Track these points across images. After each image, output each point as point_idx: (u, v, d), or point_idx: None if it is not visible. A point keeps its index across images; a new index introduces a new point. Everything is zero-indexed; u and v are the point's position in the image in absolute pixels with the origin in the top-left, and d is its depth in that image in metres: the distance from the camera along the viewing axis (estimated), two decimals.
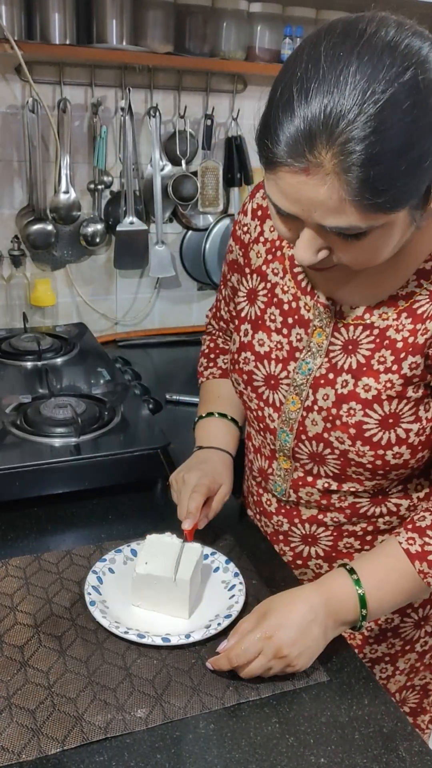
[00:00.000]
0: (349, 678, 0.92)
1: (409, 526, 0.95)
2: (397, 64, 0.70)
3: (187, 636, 0.93)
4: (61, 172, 1.90)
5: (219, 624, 0.95)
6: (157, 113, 1.94)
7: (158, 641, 0.93)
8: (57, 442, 1.29)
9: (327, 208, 0.74)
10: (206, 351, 1.31)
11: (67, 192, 1.92)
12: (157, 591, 0.97)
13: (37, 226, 1.91)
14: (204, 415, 1.22)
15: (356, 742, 0.83)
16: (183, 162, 2.04)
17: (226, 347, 1.27)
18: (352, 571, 0.93)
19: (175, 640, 0.93)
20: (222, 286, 1.20)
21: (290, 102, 0.71)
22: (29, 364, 1.67)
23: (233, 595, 1.01)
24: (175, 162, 2.04)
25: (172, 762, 0.79)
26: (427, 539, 0.93)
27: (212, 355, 1.29)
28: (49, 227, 1.92)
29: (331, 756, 0.81)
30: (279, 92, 0.73)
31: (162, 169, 2.02)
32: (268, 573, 1.08)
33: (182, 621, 0.98)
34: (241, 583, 1.03)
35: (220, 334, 1.28)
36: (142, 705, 0.85)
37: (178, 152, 2.03)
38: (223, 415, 1.21)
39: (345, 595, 0.92)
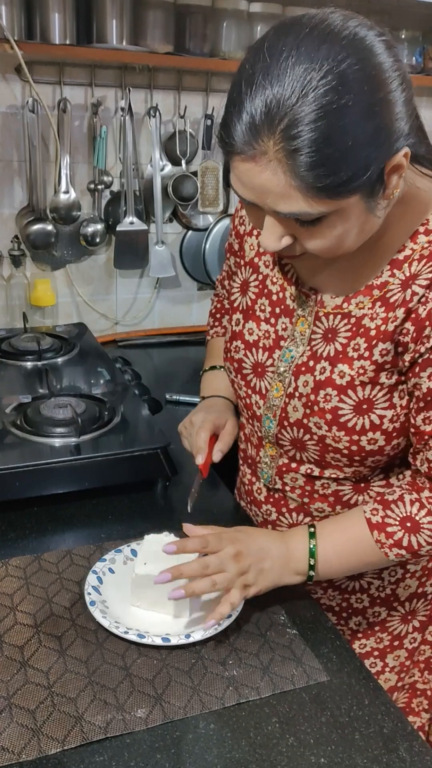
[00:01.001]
0: (349, 678, 0.92)
1: (378, 498, 0.98)
2: (337, 51, 0.73)
3: (187, 636, 0.93)
4: (61, 172, 1.90)
5: (219, 624, 0.95)
6: (157, 113, 1.94)
7: (158, 641, 0.92)
8: (57, 442, 1.29)
9: (276, 195, 0.78)
10: (213, 311, 1.41)
11: (67, 192, 1.92)
12: (156, 591, 0.97)
13: (37, 226, 1.91)
14: (208, 368, 1.33)
15: (356, 742, 0.83)
16: (183, 162, 2.04)
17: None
18: (312, 527, 0.99)
19: (175, 640, 0.93)
20: (226, 260, 1.25)
21: (240, 96, 0.76)
22: (29, 364, 1.67)
23: None
24: (175, 162, 2.04)
25: (172, 762, 0.79)
26: (389, 512, 0.96)
27: (218, 315, 1.39)
28: (49, 227, 1.92)
29: (331, 756, 0.81)
30: (232, 88, 0.78)
31: (162, 169, 2.02)
32: None
33: (182, 621, 0.98)
34: None
35: (226, 295, 1.33)
36: (142, 705, 0.85)
37: (178, 152, 2.03)
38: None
39: (299, 544, 0.99)
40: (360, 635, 1.17)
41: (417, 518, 0.94)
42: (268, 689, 0.89)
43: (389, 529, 0.95)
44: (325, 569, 0.99)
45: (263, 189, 0.79)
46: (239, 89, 0.76)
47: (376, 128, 0.75)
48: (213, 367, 1.33)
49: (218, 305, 1.40)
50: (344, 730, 0.84)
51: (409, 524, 0.94)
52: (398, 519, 0.95)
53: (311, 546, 0.98)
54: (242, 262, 1.12)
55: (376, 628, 1.17)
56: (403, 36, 2.18)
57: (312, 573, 0.98)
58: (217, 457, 1.16)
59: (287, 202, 0.79)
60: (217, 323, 1.39)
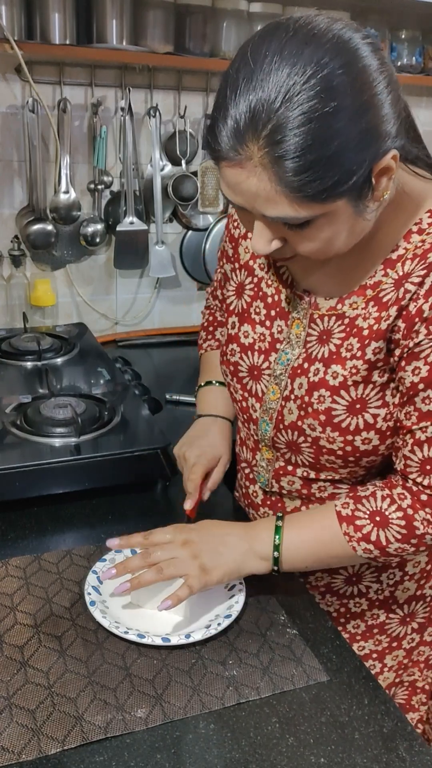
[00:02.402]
0: (349, 678, 0.92)
1: (351, 494, 0.98)
2: (321, 53, 0.72)
3: (187, 636, 0.93)
4: (61, 172, 1.90)
5: (219, 624, 0.95)
6: (157, 113, 1.94)
7: (158, 641, 0.93)
8: (57, 442, 1.29)
9: (263, 199, 0.78)
10: (205, 324, 1.37)
11: (67, 192, 1.92)
12: (155, 589, 0.97)
13: (37, 226, 1.91)
14: (203, 384, 1.30)
15: (356, 742, 0.83)
16: (183, 162, 2.04)
17: (224, 320, 1.29)
18: (278, 530, 0.98)
19: (175, 640, 0.93)
20: (218, 267, 1.24)
21: (224, 101, 0.76)
22: (29, 364, 1.67)
23: (233, 595, 1.01)
24: (175, 162, 2.04)
25: (172, 762, 0.79)
26: (360, 506, 0.95)
27: (210, 328, 1.35)
28: (49, 227, 1.92)
29: (331, 756, 0.81)
30: (218, 94, 0.78)
31: (162, 169, 2.02)
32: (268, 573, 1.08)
33: (182, 621, 0.98)
34: (241, 583, 1.03)
35: (219, 307, 1.32)
36: (142, 705, 0.86)
37: (178, 152, 2.03)
38: (221, 383, 1.26)
39: (264, 527, 0.99)
40: (359, 638, 1.17)
41: (386, 513, 0.93)
42: (268, 689, 0.89)
43: (358, 522, 0.94)
44: (291, 555, 0.97)
45: (250, 194, 0.79)
46: (224, 94, 0.76)
47: (362, 132, 0.75)
48: (209, 382, 1.30)
49: (210, 318, 1.36)
50: (344, 729, 0.84)
51: (378, 518, 0.94)
52: (368, 513, 0.94)
53: (277, 525, 0.97)
54: (237, 266, 1.11)
55: (375, 631, 1.16)
56: (403, 36, 2.18)
57: (276, 554, 0.96)
58: (206, 495, 1.16)
59: (274, 206, 0.78)
60: (210, 336, 1.35)
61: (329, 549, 0.97)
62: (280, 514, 1.00)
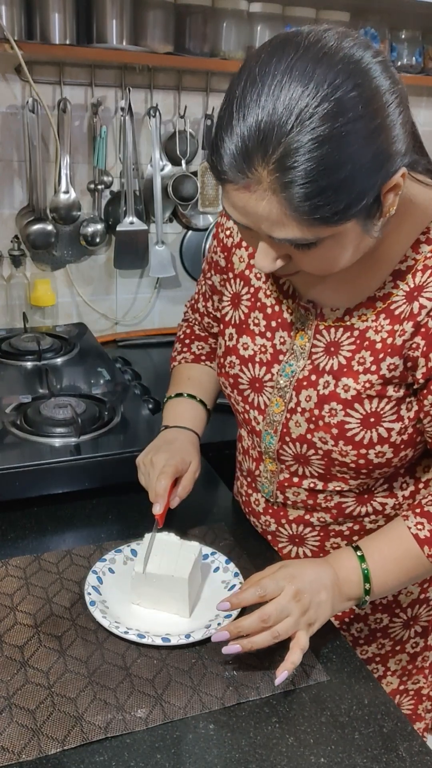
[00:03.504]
0: (349, 678, 0.92)
1: (417, 510, 0.96)
2: (333, 75, 0.70)
3: (187, 636, 0.93)
4: (61, 172, 1.90)
5: (219, 624, 0.95)
6: (157, 113, 1.94)
7: (158, 641, 0.93)
8: (57, 442, 1.29)
9: (271, 222, 0.76)
10: (181, 336, 1.31)
11: (67, 192, 1.92)
12: (156, 589, 0.97)
13: (37, 226, 1.91)
14: (173, 395, 1.23)
15: (356, 742, 0.83)
16: (183, 162, 2.04)
17: (203, 334, 1.27)
18: (357, 548, 0.95)
19: (175, 640, 0.93)
20: (202, 280, 1.20)
21: (230, 121, 0.73)
22: (29, 364, 1.67)
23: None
24: (175, 162, 2.04)
25: (172, 762, 0.79)
26: None
27: (187, 341, 1.29)
28: (49, 227, 1.92)
29: (331, 756, 0.81)
30: (223, 111, 0.75)
31: (162, 169, 2.02)
32: None
33: (182, 621, 0.98)
34: (241, 582, 1.02)
35: (198, 321, 1.27)
36: (142, 705, 0.85)
37: (178, 152, 2.03)
38: (191, 396, 1.21)
39: (350, 570, 0.94)
40: (362, 641, 1.16)
41: None
42: (268, 689, 0.89)
43: None
44: (381, 591, 0.96)
45: (257, 216, 0.77)
46: (230, 113, 0.73)
47: (374, 155, 0.73)
48: (179, 394, 1.22)
49: (187, 331, 1.30)
50: (344, 729, 0.84)
51: None
52: None
53: (363, 569, 0.94)
54: (231, 276, 1.09)
55: (378, 634, 1.16)
56: (403, 36, 2.17)
57: (367, 598, 0.95)
58: (174, 503, 1.07)
59: (282, 229, 0.77)
60: (185, 349, 1.28)
61: (412, 574, 0.96)
62: (361, 555, 0.95)
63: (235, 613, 0.97)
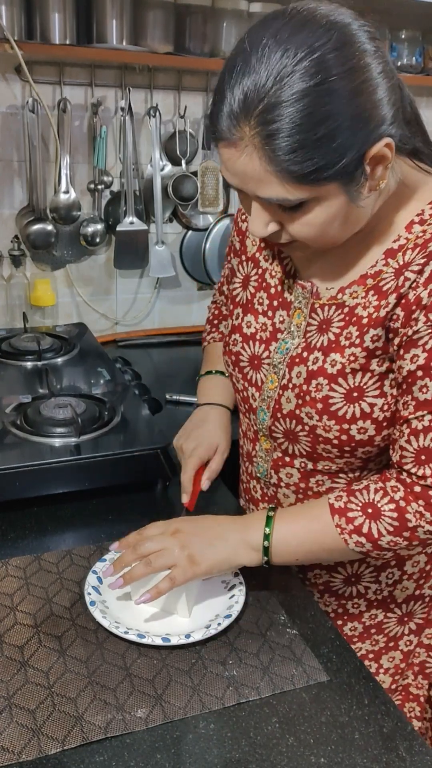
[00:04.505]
0: (349, 678, 0.92)
1: (345, 488, 0.98)
2: (316, 36, 0.74)
3: (187, 636, 0.93)
4: (61, 172, 1.90)
5: (219, 624, 0.95)
6: (157, 113, 1.94)
7: (158, 641, 0.93)
8: (57, 442, 1.29)
9: (255, 180, 0.81)
10: (210, 318, 1.39)
11: (67, 192, 1.93)
12: (151, 585, 0.97)
13: (37, 226, 1.91)
14: (204, 373, 1.32)
15: (356, 742, 0.83)
16: (183, 162, 2.04)
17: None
18: (269, 519, 0.98)
19: (175, 640, 0.93)
20: (226, 263, 1.25)
21: (222, 86, 0.79)
22: (29, 364, 1.67)
23: (233, 595, 1.01)
24: (175, 162, 2.04)
25: (172, 762, 0.79)
26: (353, 498, 0.95)
27: (216, 321, 1.37)
28: (49, 227, 1.92)
29: (331, 756, 0.81)
30: (218, 79, 0.81)
31: (162, 169, 2.02)
32: (268, 573, 1.08)
33: (182, 621, 0.98)
34: (241, 583, 1.03)
35: (224, 302, 1.33)
36: (142, 705, 0.86)
37: (178, 152, 2.03)
38: (221, 373, 1.28)
39: (255, 519, 0.98)
40: (356, 639, 1.17)
41: (379, 505, 0.92)
42: (268, 689, 0.89)
43: (350, 514, 0.93)
44: (281, 546, 0.96)
45: (243, 174, 0.82)
46: (222, 79, 0.79)
47: (354, 115, 0.76)
48: (209, 372, 1.32)
49: (216, 312, 1.39)
50: (344, 730, 0.84)
51: (370, 510, 0.93)
52: (360, 505, 0.93)
53: (268, 516, 0.97)
54: (244, 258, 1.13)
55: (372, 631, 1.16)
56: (403, 36, 2.17)
57: (266, 544, 0.96)
58: (205, 485, 1.17)
59: (265, 187, 0.81)
60: (214, 329, 1.38)
61: (321, 541, 0.96)
62: (272, 506, 1.00)
63: (235, 613, 0.97)
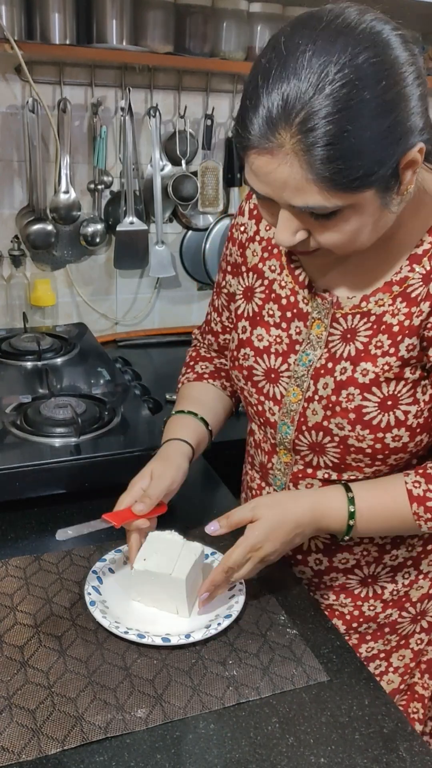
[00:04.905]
0: (349, 678, 0.92)
1: (420, 471, 0.98)
2: (353, 45, 0.74)
3: (187, 636, 0.93)
4: (61, 172, 1.90)
5: (219, 624, 0.95)
6: (157, 113, 1.94)
7: (158, 641, 0.92)
8: (57, 442, 1.29)
9: (292, 188, 0.79)
10: (187, 360, 1.30)
11: (67, 192, 1.93)
12: (155, 587, 0.97)
13: (37, 226, 1.91)
14: (174, 413, 1.19)
15: (356, 742, 0.83)
16: (183, 162, 2.04)
17: (208, 355, 1.28)
18: (351, 501, 0.98)
19: (175, 640, 0.93)
20: (215, 297, 1.21)
21: (256, 91, 0.77)
22: (29, 364, 1.67)
23: (233, 595, 1.01)
24: (175, 162, 2.04)
25: (172, 762, 0.79)
26: (431, 486, 0.96)
27: (192, 363, 1.28)
28: (49, 227, 1.92)
29: (331, 756, 0.81)
30: (249, 83, 0.79)
31: (162, 169, 2.02)
32: (268, 573, 1.08)
33: (182, 621, 0.98)
34: (241, 582, 1.02)
35: (212, 341, 1.26)
36: (142, 705, 0.85)
37: (178, 152, 2.03)
38: (190, 413, 1.17)
39: (336, 517, 0.98)
40: (368, 638, 1.16)
41: None
42: (268, 689, 0.89)
43: (429, 504, 0.95)
44: (361, 531, 1.00)
45: (279, 182, 0.79)
46: (255, 83, 0.77)
47: (392, 123, 0.76)
48: (180, 411, 1.18)
49: (193, 353, 1.29)
50: (344, 730, 0.84)
51: None
52: None
53: (350, 511, 0.98)
54: (243, 270, 1.10)
55: (386, 630, 1.16)
56: None
57: (346, 537, 1.00)
58: (136, 509, 1.03)
59: (303, 195, 0.79)
60: (189, 370, 1.26)
61: (393, 525, 1.00)
62: (350, 490, 0.99)
63: (235, 613, 0.97)
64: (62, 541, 1.01)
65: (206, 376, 1.24)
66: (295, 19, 0.79)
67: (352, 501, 0.98)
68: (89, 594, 0.99)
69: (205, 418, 1.17)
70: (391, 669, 1.19)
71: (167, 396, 1.75)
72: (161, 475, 1.05)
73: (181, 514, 1.13)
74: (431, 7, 1.98)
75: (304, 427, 1.02)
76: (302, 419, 1.02)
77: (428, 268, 0.91)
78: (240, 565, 0.96)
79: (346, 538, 1.00)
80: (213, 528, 0.99)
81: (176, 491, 1.07)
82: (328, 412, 0.99)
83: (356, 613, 1.15)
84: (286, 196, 0.80)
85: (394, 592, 1.13)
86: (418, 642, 1.18)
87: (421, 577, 1.12)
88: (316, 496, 1.01)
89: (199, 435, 1.14)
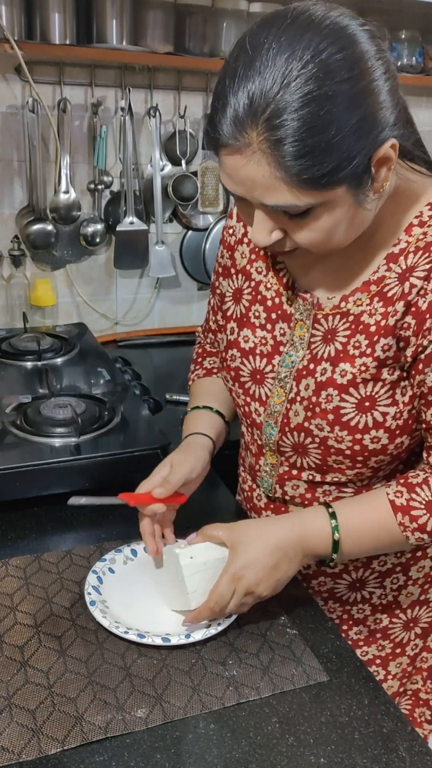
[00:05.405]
0: (349, 678, 0.92)
1: (401, 481, 0.96)
2: (318, 40, 0.73)
3: (187, 636, 0.93)
4: (61, 172, 1.90)
5: (219, 624, 0.95)
6: (157, 113, 1.94)
7: (158, 641, 0.92)
8: (57, 442, 1.29)
9: (262, 187, 0.79)
10: (194, 357, 1.32)
11: (67, 192, 1.93)
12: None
13: (37, 226, 1.91)
14: (190, 409, 1.22)
15: (356, 742, 0.83)
16: (183, 162, 2.04)
17: (213, 350, 1.28)
18: (332, 515, 0.95)
19: (175, 640, 0.93)
20: (211, 297, 1.21)
21: (224, 91, 0.77)
22: (29, 364, 1.67)
23: None
24: (175, 162, 2.04)
25: (172, 762, 0.79)
26: (414, 495, 0.94)
27: (199, 359, 1.30)
28: (49, 227, 1.92)
29: (331, 756, 0.81)
30: (217, 84, 0.79)
31: (162, 169, 2.02)
32: None
33: (182, 621, 0.98)
34: None
35: (212, 339, 1.28)
36: (142, 705, 0.85)
37: (178, 152, 2.03)
38: (206, 407, 1.19)
39: (319, 536, 0.95)
40: (361, 643, 1.16)
41: None
42: (268, 689, 0.89)
43: (414, 513, 0.93)
44: (347, 552, 0.97)
45: (249, 182, 0.79)
46: (224, 84, 0.77)
47: (360, 118, 0.75)
48: (196, 407, 1.20)
49: (199, 350, 1.31)
50: (344, 730, 0.84)
51: None
52: (424, 502, 0.93)
53: (335, 539, 0.94)
54: (233, 272, 1.10)
55: (378, 635, 1.16)
56: (403, 36, 2.18)
57: (334, 556, 0.96)
58: (156, 493, 1.03)
59: (273, 194, 0.79)
60: (198, 367, 1.28)
61: (380, 540, 0.96)
62: (332, 512, 0.95)
63: (234, 615, 0.97)
64: (62, 541, 1.01)
65: (215, 370, 1.25)
66: (262, 18, 0.79)
67: (333, 515, 0.95)
68: (89, 594, 0.99)
69: (220, 411, 1.19)
70: (389, 676, 1.19)
71: (167, 396, 1.75)
72: (180, 463, 1.06)
73: (181, 514, 1.13)
74: (431, 7, 1.98)
75: (286, 428, 1.02)
76: (285, 420, 1.01)
77: (404, 267, 0.90)
78: (226, 599, 0.93)
79: (335, 556, 0.95)
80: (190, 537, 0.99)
81: (198, 483, 1.09)
82: (309, 413, 0.98)
83: (345, 616, 1.15)
84: (258, 195, 0.80)
85: (382, 597, 1.13)
86: (414, 647, 1.18)
87: (410, 583, 1.12)
88: (295, 516, 0.99)
89: (218, 427, 1.17)
